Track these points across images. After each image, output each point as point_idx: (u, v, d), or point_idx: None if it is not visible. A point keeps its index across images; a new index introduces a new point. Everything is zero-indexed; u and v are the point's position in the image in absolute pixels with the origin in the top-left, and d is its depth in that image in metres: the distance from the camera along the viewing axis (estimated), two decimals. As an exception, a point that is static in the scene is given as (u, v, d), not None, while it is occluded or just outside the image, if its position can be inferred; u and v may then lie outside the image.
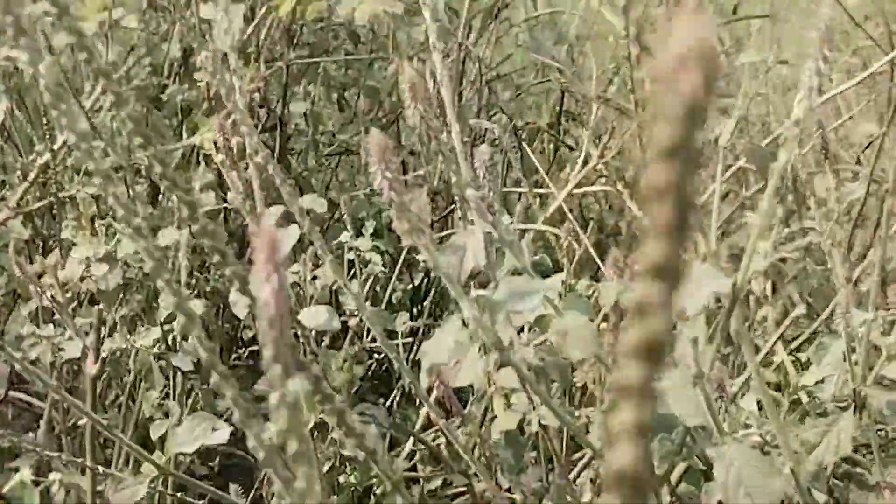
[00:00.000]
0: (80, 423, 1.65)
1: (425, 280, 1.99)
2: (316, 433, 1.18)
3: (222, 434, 0.96)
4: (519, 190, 1.82)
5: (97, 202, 1.59)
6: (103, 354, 1.38)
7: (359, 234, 1.60)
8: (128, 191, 1.62)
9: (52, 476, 1.56)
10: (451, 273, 0.77)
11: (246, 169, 1.09)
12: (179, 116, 1.88)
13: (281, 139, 1.97)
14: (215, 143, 1.21)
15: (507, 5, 2.20)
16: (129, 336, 1.31)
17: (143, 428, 1.42)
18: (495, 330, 0.77)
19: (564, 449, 1.10)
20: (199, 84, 1.82)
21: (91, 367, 1.42)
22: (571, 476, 1.13)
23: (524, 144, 2.08)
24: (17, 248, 1.54)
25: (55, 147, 1.59)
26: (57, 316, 1.45)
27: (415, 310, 1.95)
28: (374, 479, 1.29)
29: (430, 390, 1.04)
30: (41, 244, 1.66)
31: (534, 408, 1.02)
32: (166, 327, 1.34)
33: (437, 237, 1.38)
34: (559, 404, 1.05)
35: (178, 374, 1.41)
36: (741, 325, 0.89)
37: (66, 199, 1.60)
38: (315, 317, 1.06)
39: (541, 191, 1.75)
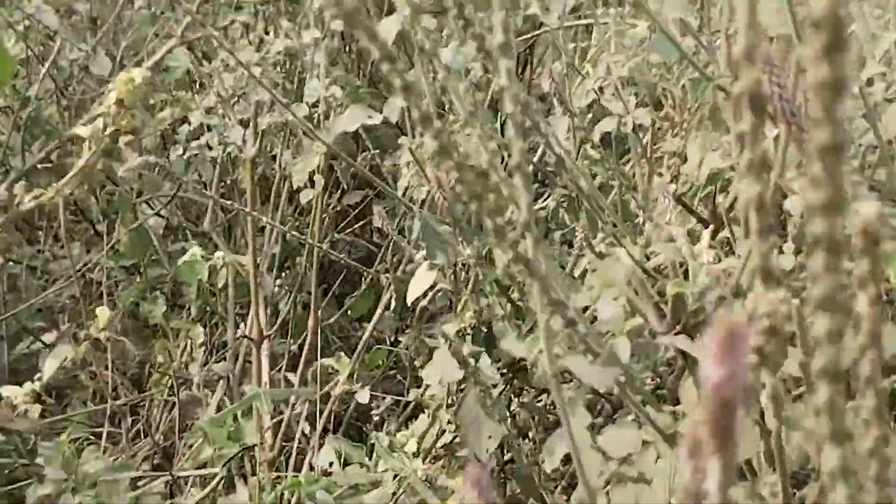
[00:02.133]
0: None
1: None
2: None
3: (377, 118, 1.18)
4: None
5: (246, 30, 1.83)
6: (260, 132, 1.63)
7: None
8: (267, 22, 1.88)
9: (218, 254, 1.82)
10: None
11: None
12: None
13: None
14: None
15: None
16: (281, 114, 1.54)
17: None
18: None
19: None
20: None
21: (249, 149, 1.68)
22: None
23: None
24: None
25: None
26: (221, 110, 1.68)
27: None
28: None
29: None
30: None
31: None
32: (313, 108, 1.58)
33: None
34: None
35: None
36: None
37: (221, 29, 1.83)
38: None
39: None
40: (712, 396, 0.31)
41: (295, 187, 1.58)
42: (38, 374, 1.35)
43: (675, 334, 0.83)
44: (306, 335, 1.76)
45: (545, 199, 1.46)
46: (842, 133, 0.33)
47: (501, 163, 0.84)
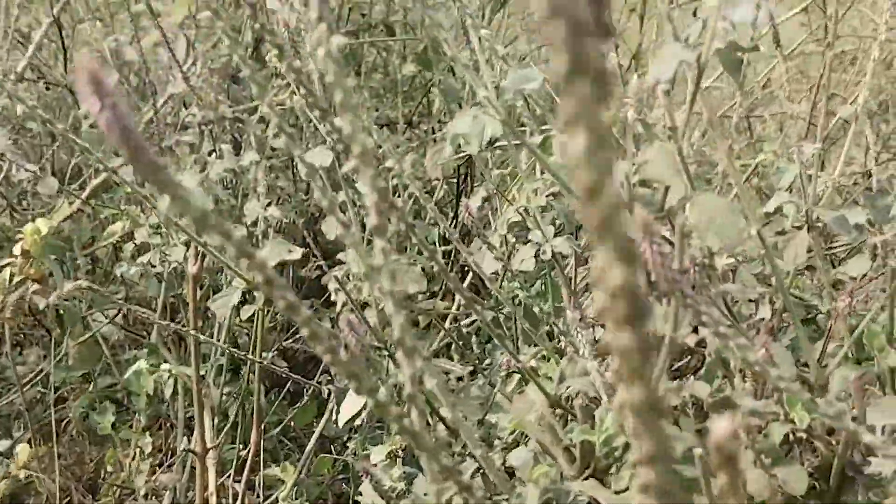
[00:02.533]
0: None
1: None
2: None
3: (296, 254, 1.17)
4: None
5: (191, 149, 1.82)
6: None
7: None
8: (214, 141, 1.87)
9: (164, 366, 1.79)
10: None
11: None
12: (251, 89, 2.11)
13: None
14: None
15: None
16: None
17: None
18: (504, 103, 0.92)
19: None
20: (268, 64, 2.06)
21: (192, 268, 1.65)
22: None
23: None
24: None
25: (157, 107, 1.81)
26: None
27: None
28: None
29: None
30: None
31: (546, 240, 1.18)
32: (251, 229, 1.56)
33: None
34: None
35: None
36: (711, 110, 0.96)
37: (166, 148, 1.82)
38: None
39: None
40: None
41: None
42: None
43: (585, 479, 0.81)
44: (252, 445, 1.72)
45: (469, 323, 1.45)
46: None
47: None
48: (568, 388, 0.94)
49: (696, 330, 0.78)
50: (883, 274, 1.56)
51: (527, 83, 0.89)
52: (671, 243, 0.94)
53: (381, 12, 2.22)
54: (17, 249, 1.10)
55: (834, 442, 0.83)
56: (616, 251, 0.25)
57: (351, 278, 1.29)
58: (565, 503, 0.81)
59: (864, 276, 1.56)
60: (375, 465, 1.15)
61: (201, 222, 0.47)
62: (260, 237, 1.58)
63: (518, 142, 1.06)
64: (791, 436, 0.84)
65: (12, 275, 1.11)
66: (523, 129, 1.29)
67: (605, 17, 0.26)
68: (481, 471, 0.75)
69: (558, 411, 0.92)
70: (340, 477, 1.87)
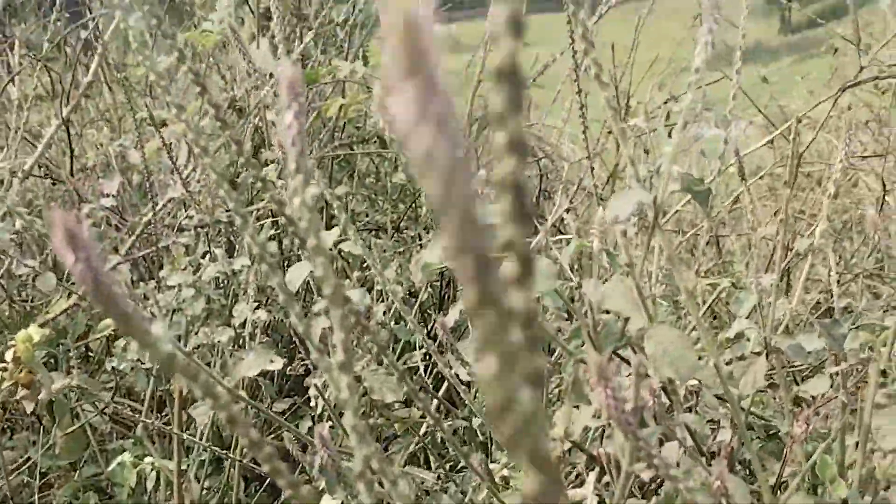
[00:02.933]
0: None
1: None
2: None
3: (277, 364, 1.16)
4: None
5: (186, 250, 1.83)
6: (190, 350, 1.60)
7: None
8: (209, 243, 1.87)
9: (147, 459, 1.76)
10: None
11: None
12: (250, 192, 2.13)
13: (325, 215, 2.21)
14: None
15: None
16: (210, 335, 1.51)
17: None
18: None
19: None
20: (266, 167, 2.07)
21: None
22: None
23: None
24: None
25: (156, 209, 1.82)
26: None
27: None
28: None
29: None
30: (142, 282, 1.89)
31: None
32: (238, 330, 1.56)
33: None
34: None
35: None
36: (670, 246, 0.96)
37: (163, 248, 1.82)
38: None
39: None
40: None
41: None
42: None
43: None
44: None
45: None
46: None
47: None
48: None
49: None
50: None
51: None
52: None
53: (374, 125, 2.25)
54: (8, 356, 1.10)
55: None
56: (529, 459, 0.25)
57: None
58: None
59: (824, 395, 1.56)
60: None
61: (167, 366, 0.46)
62: (247, 338, 1.58)
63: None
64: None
65: (2, 379, 1.10)
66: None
67: (528, 206, 0.27)
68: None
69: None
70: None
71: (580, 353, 0.88)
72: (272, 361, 1.15)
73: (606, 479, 1.08)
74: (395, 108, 0.22)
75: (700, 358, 0.94)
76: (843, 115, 3.32)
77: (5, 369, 1.08)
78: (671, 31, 3.46)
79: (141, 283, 1.82)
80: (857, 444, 0.95)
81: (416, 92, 0.22)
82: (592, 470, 1.08)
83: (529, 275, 0.25)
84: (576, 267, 1.41)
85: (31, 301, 1.97)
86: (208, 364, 1.54)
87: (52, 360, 1.90)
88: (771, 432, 1.47)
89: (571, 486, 1.06)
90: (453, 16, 2.60)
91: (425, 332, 1.84)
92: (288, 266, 2.10)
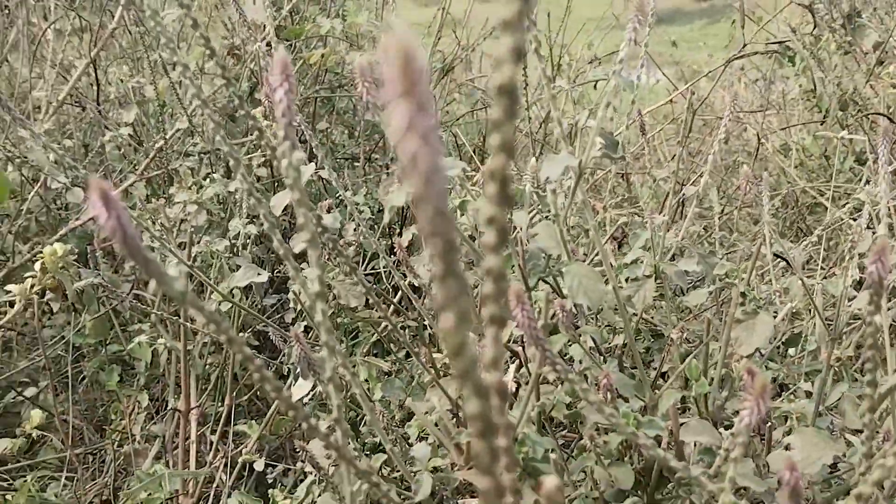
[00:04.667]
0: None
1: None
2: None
3: (262, 277, 1.16)
4: None
5: (192, 172, 1.80)
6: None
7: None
8: (210, 167, 1.85)
9: (160, 340, 1.77)
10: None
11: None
12: (246, 125, 2.10)
13: (307, 148, 2.19)
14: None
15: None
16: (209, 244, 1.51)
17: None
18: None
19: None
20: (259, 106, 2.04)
21: (183, 269, 1.64)
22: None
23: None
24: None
25: (167, 137, 1.79)
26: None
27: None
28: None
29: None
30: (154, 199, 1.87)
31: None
32: (233, 241, 1.55)
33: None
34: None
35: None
36: (586, 196, 0.97)
37: (173, 170, 1.80)
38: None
39: None
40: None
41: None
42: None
43: (468, 469, 0.82)
44: (225, 408, 1.72)
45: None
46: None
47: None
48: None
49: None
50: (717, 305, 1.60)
51: (451, 170, 0.90)
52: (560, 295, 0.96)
53: (350, 71, 2.21)
54: (37, 266, 1.09)
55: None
56: (473, 389, 0.27)
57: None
58: (451, 486, 0.82)
59: (701, 305, 1.60)
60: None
61: (180, 299, 0.47)
62: (240, 248, 1.58)
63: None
64: (624, 443, 0.86)
65: (32, 285, 1.10)
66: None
67: (510, 192, 0.29)
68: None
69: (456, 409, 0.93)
70: (298, 429, 1.86)
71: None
72: (259, 275, 1.16)
73: (523, 370, 1.11)
74: (392, 119, 0.24)
75: (607, 282, 0.96)
76: (738, 74, 3.33)
77: (34, 276, 1.08)
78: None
79: (153, 199, 1.81)
80: (720, 349, 0.99)
81: (408, 110, 0.24)
82: (513, 362, 1.10)
83: (503, 243, 0.28)
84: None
85: (65, 209, 1.95)
86: (209, 266, 1.54)
87: (84, 257, 1.89)
88: (658, 333, 1.52)
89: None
90: None
91: (386, 246, 1.85)
92: (277, 187, 2.09)
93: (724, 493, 0.62)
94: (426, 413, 0.89)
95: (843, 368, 1.11)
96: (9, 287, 1.10)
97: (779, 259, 1.46)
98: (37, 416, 1.22)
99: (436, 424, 0.87)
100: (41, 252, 1.73)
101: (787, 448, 0.81)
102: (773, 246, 1.35)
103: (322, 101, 2.38)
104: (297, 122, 2.24)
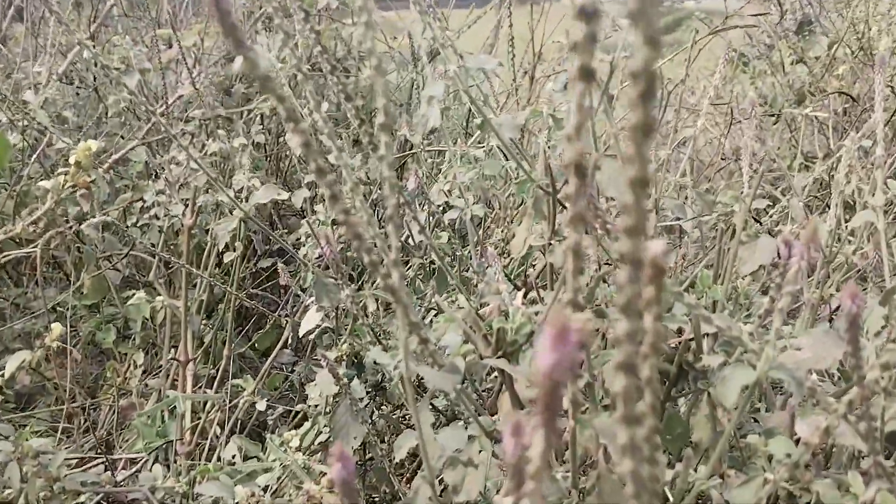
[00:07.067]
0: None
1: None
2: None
3: (284, 195, 1.12)
4: None
5: (192, 137, 1.75)
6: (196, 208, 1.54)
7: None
8: (209, 134, 1.79)
9: (158, 298, 1.70)
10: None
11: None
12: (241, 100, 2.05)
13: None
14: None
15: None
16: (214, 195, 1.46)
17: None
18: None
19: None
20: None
21: (188, 220, 1.58)
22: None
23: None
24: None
25: (168, 104, 1.74)
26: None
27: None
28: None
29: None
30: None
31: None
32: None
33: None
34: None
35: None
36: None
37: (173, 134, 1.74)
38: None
39: None
40: (544, 378, 0.28)
41: (220, 250, 1.50)
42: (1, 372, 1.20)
43: (497, 358, 0.79)
44: (223, 363, 1.65)
45: (407, 268, 1.42)
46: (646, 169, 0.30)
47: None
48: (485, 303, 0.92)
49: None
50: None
51: (486, 64, 0.86)
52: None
53: (345, 47, 2.18)
54: (71, 160, 1.03)
55: (674, 344, 0.83)
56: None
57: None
58: (480, 372, 0.79)
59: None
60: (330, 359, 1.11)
61: (265, 83, 0.43)
62: (244, 198, 1.53)
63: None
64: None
65: (65, 181, 1.04)
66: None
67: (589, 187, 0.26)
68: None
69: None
70: (287, 391, 1.81)
71: (541, 181, 0.87)
72: (279, 193, 1.11)
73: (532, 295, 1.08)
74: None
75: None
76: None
77: (67, 172, 1.02)
78: None
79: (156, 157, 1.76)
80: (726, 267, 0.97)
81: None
82: (520, 290, 1.07)
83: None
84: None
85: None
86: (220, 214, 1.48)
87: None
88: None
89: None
90: (391, 5, 2.59)
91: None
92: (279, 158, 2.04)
93: (768, 345, 0.60)
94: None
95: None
96: (41, 183, 1.04)
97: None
98: (57, 328, 1.15)
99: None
100: (42, 216, 1.66)
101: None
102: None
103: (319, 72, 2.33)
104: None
